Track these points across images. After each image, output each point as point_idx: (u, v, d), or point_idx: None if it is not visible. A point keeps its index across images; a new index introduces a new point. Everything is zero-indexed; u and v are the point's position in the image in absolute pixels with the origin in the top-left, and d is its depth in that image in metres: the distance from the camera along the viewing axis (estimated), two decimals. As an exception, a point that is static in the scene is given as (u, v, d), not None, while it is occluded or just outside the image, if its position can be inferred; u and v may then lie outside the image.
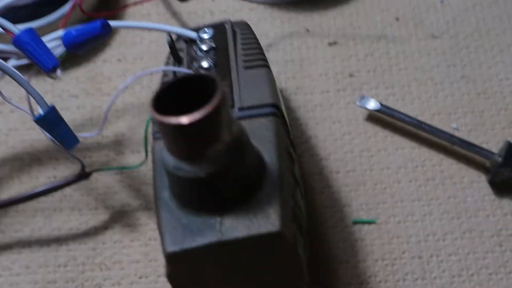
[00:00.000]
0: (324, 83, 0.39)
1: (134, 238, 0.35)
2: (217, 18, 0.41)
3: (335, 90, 0.38)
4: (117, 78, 0.39)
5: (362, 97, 0.37)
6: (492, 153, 0.35)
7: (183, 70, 0.31)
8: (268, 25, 0.41)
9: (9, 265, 0.34)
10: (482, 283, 0.33)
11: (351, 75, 0.39)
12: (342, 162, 0.37)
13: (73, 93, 0.39)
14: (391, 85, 0.38)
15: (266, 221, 0.25)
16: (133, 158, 0.37)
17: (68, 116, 0.38)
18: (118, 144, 0.37)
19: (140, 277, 0.34)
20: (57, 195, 0.36)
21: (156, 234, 0.35)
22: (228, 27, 0.33)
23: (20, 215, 0.35)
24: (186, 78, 0.24)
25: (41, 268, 0.34)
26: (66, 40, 0.30)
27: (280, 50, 0.40)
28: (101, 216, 0.35)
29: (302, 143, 0.37)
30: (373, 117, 0.37)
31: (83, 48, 0.30)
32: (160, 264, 0.34)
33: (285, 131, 0.29)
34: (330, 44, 0.40)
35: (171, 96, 0.24)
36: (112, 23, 0.33)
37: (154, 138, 0.29)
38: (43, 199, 0.35)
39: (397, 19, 0.41)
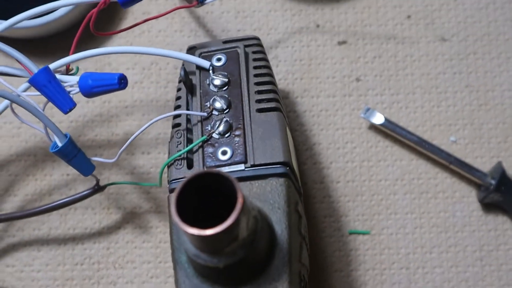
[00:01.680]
0: (331, 86, 0.39)
1: (145, 240, 0.37)
2: (225, 8, 0.39)
3: (341, 95, 0.38)
4: (124, 71, 0.38)
5: (367, 109, 0.37)
6: (485, 175, 0.37)
7: (196, 113, 0.31)
8: (278, 17, 0.39)
9: (29, 262, 0.37)
10: (460, 295, 0.36)
11: (357, 80, 0.38)
12: (343, 172, 0.38)
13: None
14: (396, 92, 0.38)
15: (276, 295, 0.27)
16: (143, 159, 0.38)
17: (79, 111, 0.38)
18: (128, 145, 0.37)
19: (151, 277, 0.37)
20: (72, 193, 0.36)
21: (165, 237, 0.37)
22: (240, 51, 0.33)
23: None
24: (207, 174, 0.24)
25: (59, 266, 0.36)
26: (82, 87, 0.29)
27: (289, 47, 0.39)
28: (114, 216, 0.37)
29: (306, 150, 0.38)
30: (376, 128, 0.38)
31: (96, 96, 0.30)
32: (169, 266, 0.37)
33: (295, 187, 0.30)
34: (339, 43, 0.39)
35: (191, 188, 0.24)
36: (126, 48, 0.31)
37: (170, 190, 0.30)
38: (58, 197, 0.36)
39: (409, 17, 0.39)
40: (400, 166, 0.38)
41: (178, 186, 0.24)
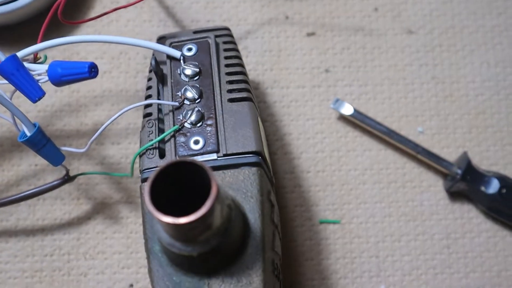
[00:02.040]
0: (301, 77, 0.38)
1: (116, 230, 0.36)
2: (194, 5, 0.39)
3: (311, 86, 0.38)
4: (93, 60, 0.38)
5: (336, 100, 0.37)
6: (451, 165, 0.37)
7: (168, 103, 0.30)
8: (248, 8, 0.39)
9: (-3, 255, 0.35)
10: (428, 282, 0.37)
11: (327, 71, 0.39)
12: (313, 162, 0.38)
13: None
14: (364, 83, 0.39)
15: (248, 285, 0.26)
16: (113, 150, 0.37)
17: (47, 100, 0.37)
18: (98, 135, 0.37)
19: (123, 268, 0.36)
20: (40, 184, 0.36)
21: (137, 227, 0.36)
22: (211, 41, 0.32)
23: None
24: (180, 162, 0.24)
25: (28, 257, 0.36)
26: (51, 76, 0.29)
27: (259, 38, 0.39)
28: (84, 207, 0.36)
29: (276, 141, 0.38)
30: (345, 118, 0.38)
31: (65, 85, 0.29)
32: (141, 256, 0.36)
33: (267, 176, 0.30)
34: (308, 34, 0.39)
35: (165, 177, 0.24)
36: (96, 37, 0.31)
37: (142, 179, 0.29)
38: (26, 188, 0.36)
39: (376, 9, 0.40)
40: (369, 156, 0.38)
41: (151, 175, 0.24)
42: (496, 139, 0.39)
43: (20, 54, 0.31)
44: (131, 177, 0.34)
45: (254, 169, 0.29)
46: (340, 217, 0.38)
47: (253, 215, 0.28)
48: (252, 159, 0.29)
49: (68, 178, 0.34)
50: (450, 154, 0.38)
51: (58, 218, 0.36)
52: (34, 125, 0.30)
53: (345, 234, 0.37)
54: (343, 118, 0.39)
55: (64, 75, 0.29)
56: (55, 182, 0.34)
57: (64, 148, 0.32)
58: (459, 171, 0.37)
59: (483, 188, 0.37)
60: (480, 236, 0.38)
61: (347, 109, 0.38)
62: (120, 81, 0.38)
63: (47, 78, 0.29)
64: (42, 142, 0.31)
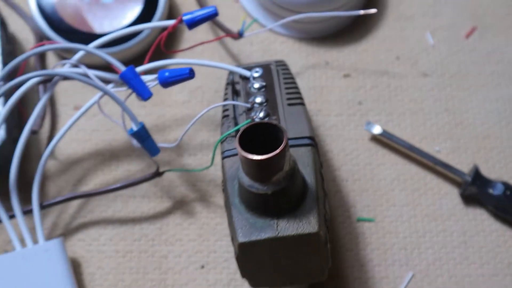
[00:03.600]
0: (339, 108, 0.46)
1: (191, 222, 0.42)
2: (255, 48, 0.47)
3: (347, 114, 0.45)
4: (176, 93, 0.45)
5: (368, 123, 0.44)
6: (464, 173, 0.43)
7: (242, 104, 0.38)
8: (296, 56, 0.47)
9: (97, 237, 0.41)
10: (449, 270, 0.41)
11: (360, 103, 0.46)
12: (351, 173, 0.44)
13: (142, 104, 0.45)
14: (390, 113, 0.46)
15: (309, 225, 0.32)
16: (190, 159, 0.43)
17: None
18: (178, 148, 0.44)
19: (196, 252, 0.41)
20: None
21: (208, 220, 0.42)
22: (273, 67, 0.40)
23: (104, 199, 0.42)
24: (261, 123, 0.31)
25: (121, 241, 0.41)
26: (160, 78, 0.36)
27: (305, 79, 0.46)
28: (166, 204, 0.42)
29: (321, 155, 0.44)
30: (376, 138, 0.45)
31: (171, 85, 0.37)
32: (210, 244, 0.41)
33: (318, 156, 0.36)
34: (344, 76, 0.47)
35: (249, 134, 0.30)
36: (191, 60, 0.39)
37: (223, 157, 0.36)
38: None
39: (398, 58, 0.47)
40: (396, 169, 0.45)
41: (240, 130, 0.30)
42: (500, 158, 0.45)
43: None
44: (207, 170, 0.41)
45: (308, 148, 0.35)
46: (374, 216, 0.43)
47: (309, 178, 0.34)
48: (307, 141, 0.35)
49: (157, 173, 0.41)
50: (463, 169, 0.44)
51: (145, 212, 0.43)
52: (140, 123, 0.38)
53: (378, 230, 0.43)
54: (374, 138, 0.45)
55: (170, 77, 0.36)
56: (147, 175, 0.41)
57: (159, 144, 0.39)
58: (470, 178, 0.43)
59: (490, 191, 0.42)
60: (492, 235, 0.43)
61: (377, 129, 0.44)
62: (197, 108, 0.45)
63: (156, 83, 0.37)
64: (145, 136, 0.37)
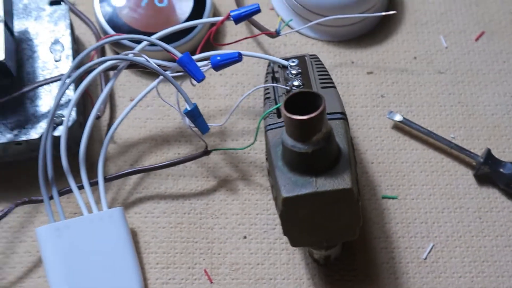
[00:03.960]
0: (364, 100, 0.51)
1: (234, 199, 0.47)
2: (289, 49, 0.52)
3: (371, 106, 0.50)
4: (219, 87, 0.51)
5: (390, 112, 0.49)
6: (477, 155, 0.47)
7: (282, 86, 0.43)
8: (325, 56, 0.52)
9: (151, 210, 0.46)
10: (466, 242, 0.45)
11: (382, 96, 0.51)
12: (375, 156, 0.48)
13: (190, 96, 0.50)
14: (410, 105, 0.50)
15: (343, 182, 0.37)
16: (233, 144, 0.48)
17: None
18: (222, 134, 0.49)
19: (239, 224, 0.46)
20: (181, 166, 0.47)
21: (249, 196, 0.46)
22: (307, 59, 0.45)
23: (157, 177, 0.47)
24: (303, 92, 0.36)
25: (173, 214, 0.46)
26: (213, 62, 0.41)
27: (333, 75, 0.51)
28: (211, 182, 0.47)
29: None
30: (397, 126, 0.49)
31: (221, 68, 0.42)
32: (252, 217, 0.46)
33: (348, 130, 0.41)
34: (368, 73, 0.52)
35: (293, 101, 0.35)
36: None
37: (266, 130, 0.41)
38: (172, 168, 0.47)
39: (415, 58, 0.52)
40: (416, 153, 0.49)
41: (287, 96, 0.35)
42: (510, 143, 0.49)
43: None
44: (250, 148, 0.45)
45: (341, 121, 0.40)
46: (397, 194, 0.47)
47: (342, 145, 0.38)
48: (339, 115, 0.40)
49: (206, 151, 0.46)
50: (476, 153, 0.49)
51: (193, 189, 0.47)
52: (194, 104, 0.43)
53: (401, 206, 0.47)
54: (395, 126, 0.50)
55: (222, 60, 0.41)
56: (197, 153, 0.46)
57: (208, 124, 0.44)
58: (482, 159, 0.47)
59: (501, 170, 0.47)
60: (504, 210, 0.47)
61: (398, 117, 0.49)
62: (237, 100, 0.51)
63: (208, 66, 0.42)
64: (197, 115, 0.42)
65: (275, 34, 0.47)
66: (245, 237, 0.45)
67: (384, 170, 0.48)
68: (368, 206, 0.47)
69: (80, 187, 0.43)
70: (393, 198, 0.47)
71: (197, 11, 0.50)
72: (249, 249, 0.45)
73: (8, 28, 0.42)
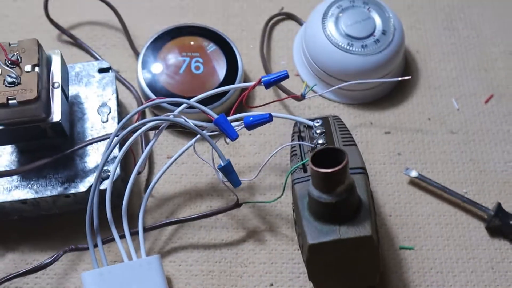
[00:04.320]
0: (382, 158, 0.54)
1: (262, 249, 0.50)
2: (312, 111, 0.57)
3: (389, 163, 0.54)
4: (248, 145, 0.55)
5: (406, 169, 0.53)
6: (488, 209, 0.51)
7: (308, 144, 0.47)
8: (345, 117, 0.57)
9: (185, 259, 0.50)
10: (480, 291, 0.48)
11: (399, 154, 0.55)
12: (393, 209, 0.52)
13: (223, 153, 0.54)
14: (425, 162, 0.54)
15: (364, 230, 0.40)
16: (261, 198, 0.52)
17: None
18: (250, 189, 0.53)
19: (266, 273, 0.49)
20: (213, 218, 0.51)
21: (276, 246, 0.50)
22: (330, 119, 0.49)
23: (191, 228, 0.51)
24: (329, 148, 0.40)
25: (204, 262, 0.49)
26: (246, 123, 0.46)
27: (354, 135, 0.56)
28: (241, 233, 0.51)
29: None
30: (413, 182, 0.53)
31: (253, 128, 0.46)
32: (278, 266, 0.49)
33: (368, 183, 0.45)
34: (385, 132, 0.56)
35: (319, 157, 0.39)
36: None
37: (294, 183, 0.45)
38: (204, 220, 0.51)
39: (429, 119, 0.57)
40: (431, 207, 0.52)
41: (312, 153, 0.39)
42: (519, 199, 0.53)
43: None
44: (278, 201, 0.49)
45: (361, 175, 0.44)
46: (413, 245, 0.50)
47: (363, 196, 0.42)
48: (360, 170, 0.44)
49: (237, 204, 0.50)
50: (487, 207, 0.52)
51: (224, 239, 0.51)
52: (227, 160, 0.47)
53: (418, 257, 0.50)
54: (411, 182, 0.53)
55: (254, 121, 0.45)
56: (229, 206, 0.50)
57: (240, 179, 0.48)
58: (493, 212, 0.50)
59: (511, 222, 0.50)
60: (515, 261, 0.50)
61: (414, 173, 0.53)
62: (265, 159, 0.54)
63: (242, 126, 0.46)
64: (230, 170, 0.46)
65: (301, 98, 0.51)
66: (271, 285, 0.49)
67: (401, 223, 0.51)
68: (386, 256, 0.50)
69: (121, 236, 0.47)
70: (410, 249, 0.50)
71: (230, 77, 0.55)
72: (275, 295, 0.48)
73: (64, 93, 0.48)
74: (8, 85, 0.44)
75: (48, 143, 0.49)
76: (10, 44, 0.46)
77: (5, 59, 0.45)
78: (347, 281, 0.43)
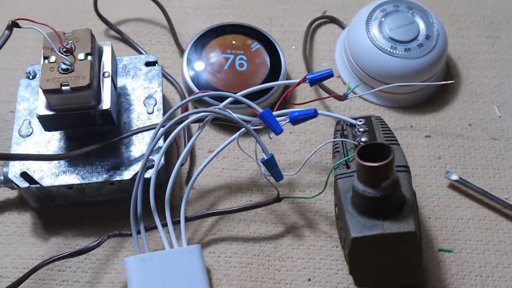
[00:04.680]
0: (422, 161, 0.55)
1: (300, 244, 0.50)
2: (353, 112, 0.57)
3: (429, 166, 0.54)
4: (289, 143, 0.56)
5: (447, 172, 0.53)
6: (530, 216, 0.51)
7: (351, 141, 0.47)
8: (386, 120, 0.57)
9: (224, 251, 0.50)
10: (519, 296, 0.48)
11: (439, 158, 0.55)
12: (432, 212, 0.52)
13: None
14: (465, 166, 0.54)
15: (408, 225, 0.41)
16: (300, 194, 0.53)
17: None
18: (290, 185, 0.53)
19: (304, 268, 0.50)
20: (253, 212, 0.52)
21: (314, 242, 0.50)
22: (373, 119, 0.50)
23: (231, 221, 0.52)
24: (375, 143, 0.40)
25: (243, 255, 0.50)
26: (291, 117, 0.46)
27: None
28: (280, 228, 0.51)
29: (407, 197, 0.53)
30: (453, 186, 0.53)
31: (298, 123, 0.47)
32: (316, 262, 0.50)
33: (411, 182, 0.45)
34: (426, 136, 0.56)
35: (364, 151, 0.40)
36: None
37: (337, 179, 0.45)
38: (244, 213, 0.52)
39: (470, 125, 0.57)
40: (471, 211, 0.52)
41: (359, 147, 0.40)
42: (561, 207, 0.53)
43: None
44: (317, 198, 0.50)
45: (405, 173, 0.44)
46: (453, 247, 0.50)
47: (406, 193, 0.42)
48: (403, 168, 0.45)
49: (278, 198, 0.50)
50: (528, 214, 0.52)
51: (263, 233, 0.51)
52: (271, 154, 0.48)
53: (457, 259, 0.50)
54: (451, 186, 0.53)
55: (299, 116, 0.46)
56: (270, 200, 0.50)
57: (282, 173, 0.48)
58: (536, 219, 0.50)
59: (554, 229, 0.50)
60: (556, 269, 0.50)
61: (454, 177, 0.53)
62: (305, 156, 0.55)
63: (287, 121, 0.47)
64: (273, 164, 0.47)
65: (343, 97, 0.52)
66: (309, 280, 0.49)
67: (440, 225, 0.51)
68: (425, 257, 0.50)
69: (163, 225, 0.48)
70: (449, 251, 0.50)
71: (273, 75, 0.56)
72: (312, 291, 0.49)
73: (113, 83, 0.49)
74: (62, 71, 0.46)
75: (96, 131, 0.50)
76: (64, 33, 0.48)
77: (59, 47, 0.47)
78: (387, 277, 0.43)
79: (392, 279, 0.43)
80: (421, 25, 0.57)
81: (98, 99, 0.47)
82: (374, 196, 0.40)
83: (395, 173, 0.41)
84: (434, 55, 0.56)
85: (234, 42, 0.58)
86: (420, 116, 0.57)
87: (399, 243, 0.41)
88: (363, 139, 0.47)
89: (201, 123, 0.49)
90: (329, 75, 0.48)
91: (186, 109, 0.56)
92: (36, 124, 0.51)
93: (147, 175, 0.49)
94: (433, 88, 0.59)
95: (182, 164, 0.51)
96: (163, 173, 0.51)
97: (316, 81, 0.48)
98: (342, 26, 0.63)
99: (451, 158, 0.55)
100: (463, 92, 0.59)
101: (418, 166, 0.55)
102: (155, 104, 0.53)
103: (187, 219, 0.49)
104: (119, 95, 0.53)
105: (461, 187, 0.53)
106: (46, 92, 0.46)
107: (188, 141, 0.53)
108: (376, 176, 0.39)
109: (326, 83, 0.56)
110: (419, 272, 0.43)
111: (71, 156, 0.48)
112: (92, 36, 0.48)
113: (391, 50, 0.56)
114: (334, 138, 0.50)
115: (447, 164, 0.55)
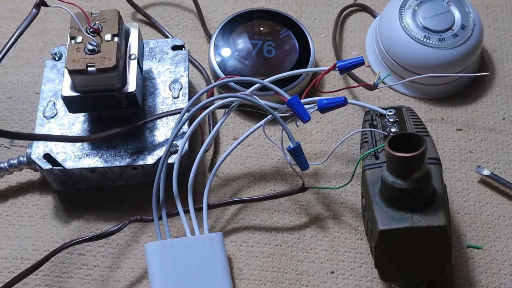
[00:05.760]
0: (452, 154, 0.53)
1: (324, 236, 0.50)
2: (382, 103, 0.56)
3: (459, 160, 0.53)
4: (316, 133, 0.55)
5: (478, 166, 0.52)
6: None
7: (380, 131, 0.46)
8: (416, 111, 0.55)
9: (246, 240, 0.50)
10: (550, 297, 0.47)
11: (470, 152, 0.53)
12: (461, 207, 0.51)
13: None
14: (497, 162, 0.53)
15: (438, 219, 0.40)
16: (326, 185, 0.52)
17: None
18: (315, 175, 0.53)
19: (327, 260, 0.49)
20: (276, 201, 0.51)
21: (339, 235, 0.50)
22: (403, 110, 0.49)
23: (254, 210, 0.51)
24: (407, 133, 0.39)
25: (266, 244, 0.50)
26: (319, 105, 0.46)
27: (424, 129, 0.55)
28: (303, 219, 0.51)
29: (435, 191, 0.52)
30: (484, 181, 0.52)
31: (327, 111, 0.46)
32: (340, 254, 0.49)
33: (442, 174, 0.44)
34: (457, 129, 0.55)
35: (395, 141, 0.39)
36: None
37: (364, 170, 0.44)
38: (267, 202, 0.51)
39: (504, 119, 0.55)
40: (502, 208, 0.51)
41: (389, 137, 0.39)
42: None
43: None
44: (343, 189, 0.49)
45: (436, 165, 0.43)
46: (482, 244, 0.49)
47: (437, 187, 0.41)
48: (435, 161, 0.43)
49: (303, 188, 0.50)
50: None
51: (286, 224, 0.51)
52: (297, 142, 0.47)
53: (486, 257, 0.49)
54: (482, 181, 0.52)
55: (328, 103, 0.45)
56: (294, 189, 0.50)
57: (308, 163, 0.48)
58: None
59: None
60: None
61: (486, 172, 0.52)
62: (332, 146, 0.54)
63: (315, 109, 0.46)
64: (299, 152, 0.46)
65: (373, 87, 0.51)
66: (332, 272, 0.48)
67: (469, 221, 0.50)
68: (453, 253, 0.48)
69: (185, 212, 0.48)
70: (478, 248, 0.49)
71: (301, 62, 0.55)
72: (336, 283, 0.48)
73: (139, 65, 0.49)
74: (88, 52, 0.46)
75: (120, 114, 0.50)
76: (92, 14, 0.48)
77: (86, 27, 0.47)
78: (414, 271, 0.42)
79: (420, 273, 0.42)
80: (457, 15, 0.56)
81: (124, 82, 0.47)
82: (404, 188, 0.39)
83: (427, 165, 0.40)
84: (469, 46, 0.55)
85: (262, 28, 0.57)
86: (452, 109, 0.56)
87: (428, 237, 0.40)
88: (393, 130, 0.46)
89: (227, 109, 0.49)
90: (360, 63, 0.47)
91: (212, 95, 0.56)
92: (61, 106, 0.51)
93: (170, 161, 0.48)
94: (466, 80, 0.57)
95: (206, 151, 0.51)
96: (187, 159, 0.51)
97: (347, 69, 0.47)
98: (373, 14, 0.62)
99: (483, 152, 0.54)
100: (498, 85, 0.57)
101: (448, 160, 0.53)
102: (181, 88, 0.52)
103: (210, 207, 0.49)
104: (145, 78, 0.52)
105: (493, 183, 0.52)
106: (71, 72, 0.46)
107: (213, 127, 0.53)
108: (407, 167, 0.38)
109: (355, 72, 0.55)
110: (448, 266, 0.42)
111: (95, 138, 0.48)
112: (120, 17, 0.48)
113: (425, 40, 0.55)
114: (363, 128, 0.49)
115: (479, 159, 0.53)
